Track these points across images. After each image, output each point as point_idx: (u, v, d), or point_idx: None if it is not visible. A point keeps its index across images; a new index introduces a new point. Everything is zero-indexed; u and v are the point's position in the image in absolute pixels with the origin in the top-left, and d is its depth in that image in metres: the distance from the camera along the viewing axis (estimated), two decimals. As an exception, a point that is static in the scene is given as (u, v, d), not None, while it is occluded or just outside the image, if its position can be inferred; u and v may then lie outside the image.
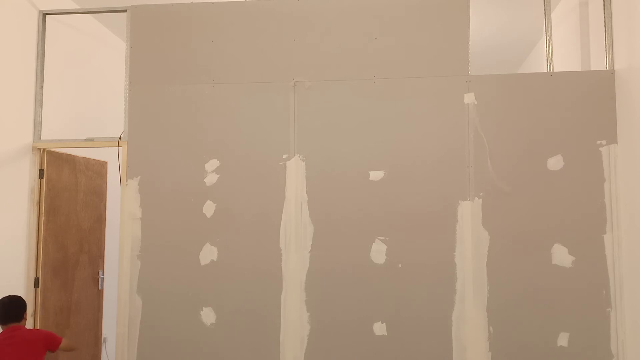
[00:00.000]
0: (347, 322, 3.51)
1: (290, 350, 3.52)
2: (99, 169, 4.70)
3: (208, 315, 3.61)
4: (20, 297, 3.20)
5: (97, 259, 4.65)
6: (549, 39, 3.71)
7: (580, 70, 3.89)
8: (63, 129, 4.36)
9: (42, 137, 4.06)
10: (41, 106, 4.04)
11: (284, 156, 3.66)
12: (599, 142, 3.44)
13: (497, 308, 3.41)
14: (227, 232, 3.64)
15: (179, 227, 3.67)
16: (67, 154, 4.30)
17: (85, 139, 3.98)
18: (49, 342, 3.12)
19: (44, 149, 4.06)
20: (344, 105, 3.65)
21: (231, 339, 3.57)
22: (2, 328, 3.11)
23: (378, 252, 3.52)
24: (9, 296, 3.18)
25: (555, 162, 3.46)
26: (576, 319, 3.35)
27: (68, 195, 4.30)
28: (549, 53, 3.68)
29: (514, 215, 3.45)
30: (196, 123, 3.74)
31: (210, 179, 3.69)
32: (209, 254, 3.64)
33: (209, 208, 3.67)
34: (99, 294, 4.66)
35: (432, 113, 3.58)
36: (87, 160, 4.55)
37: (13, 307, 3.12)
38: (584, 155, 3.44)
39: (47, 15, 4.11)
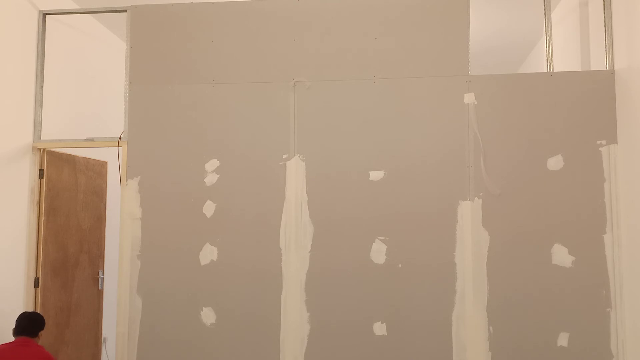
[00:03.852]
0: (347, 322, 3.51)
1: (290, 350, 3.52)
2: (99, 169, 4.70)
3: (208, 315, 3.61)
4: (39, 314, 3.26)
5: (97, 259, 4.65)
6: (549, 39, 3.71)
7: (580, 70, 3.89)
8: (63, 129, 4.36)
9: (42, 137, 4.06)
10: (41, 106, 4.04)
11: (284, 156, 3.66)
12: (599, 142, 3.44)
13: (497, 308, 3.41)
14: (227, 232, 3.64)
15: (179, 227, 3.67)
16: (67, 154, 4.30)
17: (85, 139, 3.98)
18: None
19: (44, 149, 4.06)
20: (344, 105, 3.65)
21: (231, 339, 3.57)
22: (14, 338, 3.14)
23: (378, 252, 3.52)
24: (29, 312, 3.28)
25: (555, 162, 3.46)
26: (576, 319, 3.35)
27: (68, 195, 4.29)
28: (549, 53, 3.68)
29: (514, 215, 3.45)
30: (196, 123, 3.74)
31: (210, 179, 3.69)
32: (209, 254, 3.64)
33: (209, 208, 3.67)
34: (99, 294, 4.66)
35: (432, 113, 3.58)
36: (87, 160, 4.55)
37: (30, 322, 3.16)
38: (584, 155, 3.43)
39: (47, 15, 4.11)
